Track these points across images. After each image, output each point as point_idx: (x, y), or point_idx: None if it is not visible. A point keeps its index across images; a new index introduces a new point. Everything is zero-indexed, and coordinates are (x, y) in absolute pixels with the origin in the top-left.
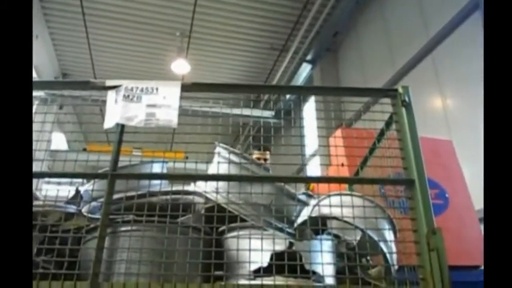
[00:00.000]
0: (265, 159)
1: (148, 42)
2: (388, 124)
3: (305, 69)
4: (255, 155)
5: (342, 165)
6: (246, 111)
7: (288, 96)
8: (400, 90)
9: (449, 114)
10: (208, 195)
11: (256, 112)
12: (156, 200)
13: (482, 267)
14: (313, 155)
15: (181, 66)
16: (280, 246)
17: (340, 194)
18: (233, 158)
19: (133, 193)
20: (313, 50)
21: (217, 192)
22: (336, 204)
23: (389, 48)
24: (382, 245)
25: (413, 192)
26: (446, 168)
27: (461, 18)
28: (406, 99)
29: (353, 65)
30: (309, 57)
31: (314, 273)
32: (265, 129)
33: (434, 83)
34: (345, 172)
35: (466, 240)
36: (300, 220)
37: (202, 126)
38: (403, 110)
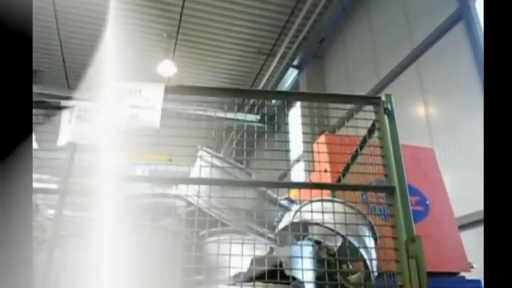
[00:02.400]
0: None
1: (134, 43)
2: (370, 131)
3: (291, 74)
4: None
5: (325, 171)
6: (231, 115)
7: (273, 101)
8: (383, 98)
9: (432, 122)
10: (189, 199)
11: (241, 116)
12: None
13: (462, 274)
14: (298, 160)
15: (167, 68)
16: (261, 251)
17: (322, 200)
18: (216, 162)
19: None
20: (300, 56)
21: (198, 197)
22: (317, 210)
23: (375, 56)
24: (362, 251)
25: (394, 199)
26: (427, 176)
27: (445, 28)
28: (389, 107)
29: (339, 72)
30: (295, 62)
31: (294, 279)
32: (249, 133)
33: (418, 91)
34: (327, 178)
35: (445, 247)
36: (281, 226)
37: (186, 128)
38: (386, 117)
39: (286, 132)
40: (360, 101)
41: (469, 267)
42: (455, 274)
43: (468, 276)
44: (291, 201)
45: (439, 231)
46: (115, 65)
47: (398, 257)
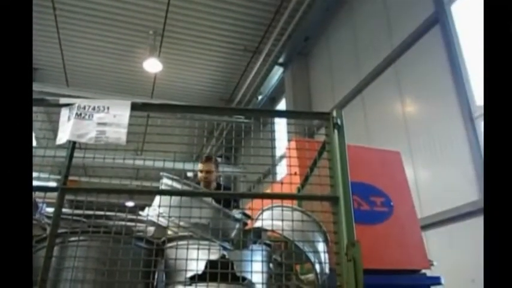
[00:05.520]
0: (208, 172)
1: (120, 40)
2: (324, 144)
3: (277, 72)
4: (199, 166)
5: (295, 173)
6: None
7: (259, 97)
8: (334, 113)
9: (409, 121)
10: (155, 220)
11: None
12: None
13: (423, 271)
14: (282, 157)
15: (153, 65)
16: (215, 255)
17: (272, 207)
18: (176, 185)
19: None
20: (285, 53)
21: (159, 216)
22: (276, 217)
23: (356, 56)
24: (311, 255)
25: (338, 208)
26: (392, 178)
27: (422, 31)
28: (339, 122)
29: (322, 70)
30: (281, 60)
31: (244, 279)
32: (237, 130)
33: (396, 91)
34: (297, 180)
35: (407, 245)
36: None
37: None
38: (336, 132)
39: (273, 131)
40: (312, 117)
41: (429, 264)
42: (416, 271)
43: (428, 273)
44: (245, 214)
45: (402, 230)
46: (107, 62)
47: (338, 260)
